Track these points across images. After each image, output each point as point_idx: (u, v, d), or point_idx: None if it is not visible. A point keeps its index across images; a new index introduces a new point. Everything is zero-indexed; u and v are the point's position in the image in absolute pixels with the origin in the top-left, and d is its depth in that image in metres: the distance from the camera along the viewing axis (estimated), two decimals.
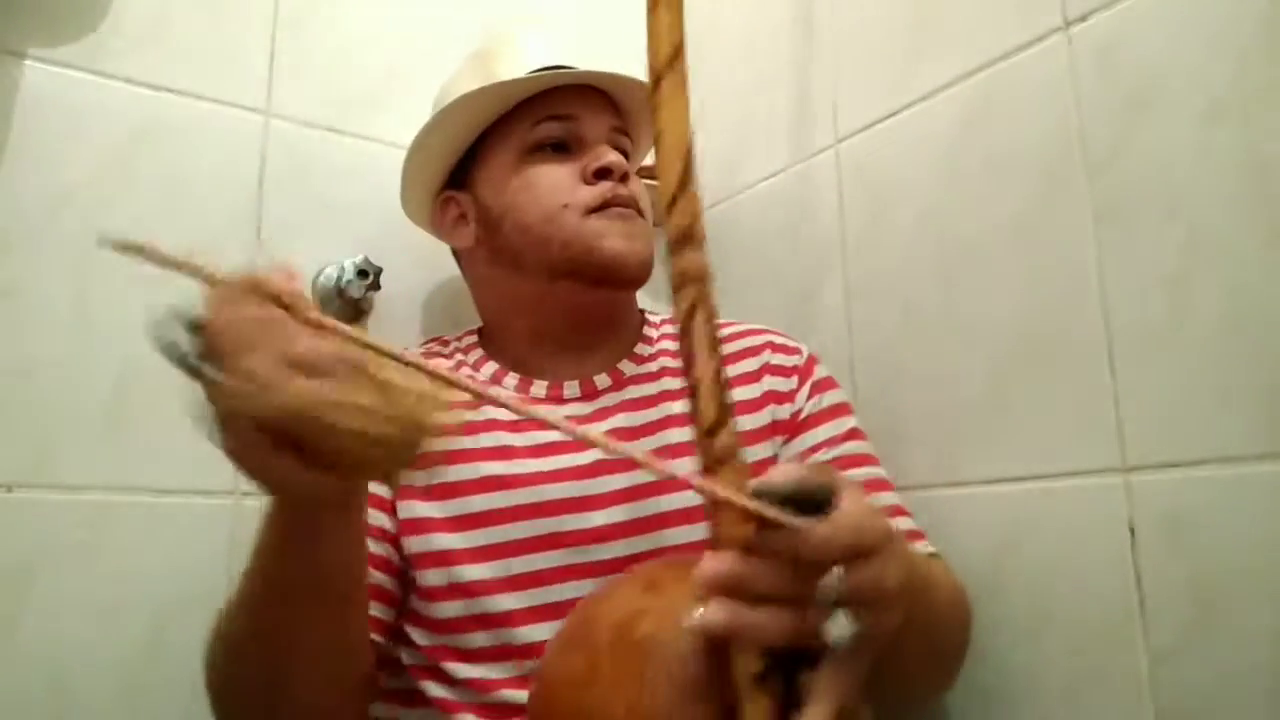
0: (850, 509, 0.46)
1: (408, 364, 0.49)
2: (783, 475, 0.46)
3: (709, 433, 0.49)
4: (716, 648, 0.47)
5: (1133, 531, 0.75)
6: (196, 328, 0.47)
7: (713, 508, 0.48)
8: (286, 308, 0.48)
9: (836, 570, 0.44)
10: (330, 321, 0.48)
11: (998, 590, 0.84)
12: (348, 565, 0.62)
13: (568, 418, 0.84)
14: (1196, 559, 0.71)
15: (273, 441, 0.48)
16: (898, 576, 0.47)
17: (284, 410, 0.47)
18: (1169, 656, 0.72)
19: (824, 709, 0.44)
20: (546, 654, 0.66)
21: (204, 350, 0.47)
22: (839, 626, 0.44)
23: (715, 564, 0.46)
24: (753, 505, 0.45)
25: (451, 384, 0.49)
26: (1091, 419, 0.78)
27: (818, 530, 0.44)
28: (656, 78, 0.54)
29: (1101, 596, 0.76)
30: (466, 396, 0.49)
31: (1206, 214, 0.73)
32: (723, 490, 0.47)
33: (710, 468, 0.48)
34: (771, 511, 0.44)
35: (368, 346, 0.49)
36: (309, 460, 0.49)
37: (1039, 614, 0.81)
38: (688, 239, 0.52)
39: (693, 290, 0.52)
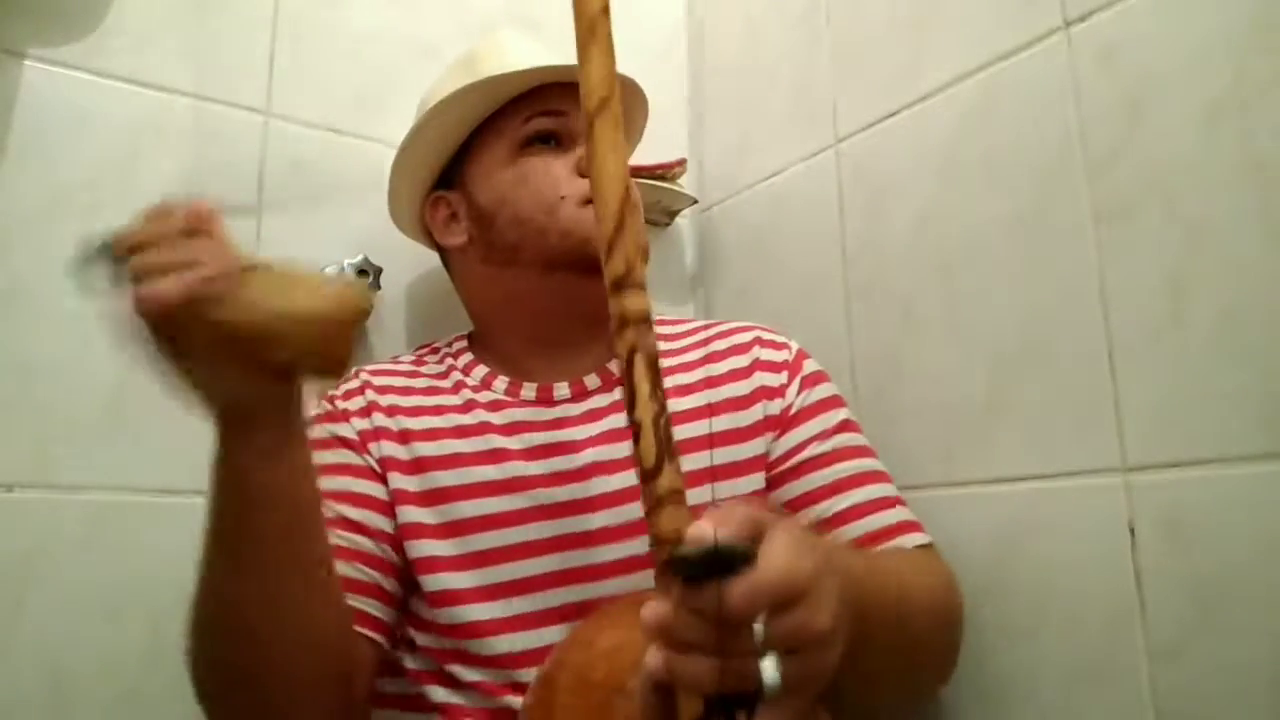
0: (771, 561, 0.46)
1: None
2: (695, 542, 0.46)
3: (650, 475, 0.49)
4: (664, 690, 0.48)
5: (1133, 531, 0.75)
6: (108, 246, 0.55)
7: (655, 546, 0.49)
8: (197, 230, 0.56)
9: (759, 620, 0.45)
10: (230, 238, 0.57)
11: (998, 590, 0.84)
12: (293, 493, 0.62)
13: (559, 419, 0.84)
14: (1196, 559, 0.71)
15: (176, 334, 0.55)
16: (829, 615, 0.48)
17: (171, 295, 0.53)
18: (1169, 656, 0.72)
19: None
20: (526, 694, 0.67)
21: (119, 259, 0.55)
22: (768, 672, 0.45)
23: (651, 612, 0.47)
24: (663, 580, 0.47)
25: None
26: (1091, 419, 0.78)
27: (734, 590, 0.45)
28: (590, 121, 0.54)
29: (1101, 596, 0.76)
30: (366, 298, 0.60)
31: (1206, 214, 0.73)
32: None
33: (652, 509, 0.49)
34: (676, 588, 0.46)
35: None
36: (238, 360, 0.56)
37: (1039, 614, 0.81)
38: (625, 282, 0.52)
39: (632, 332, 0.52)
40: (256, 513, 0.61)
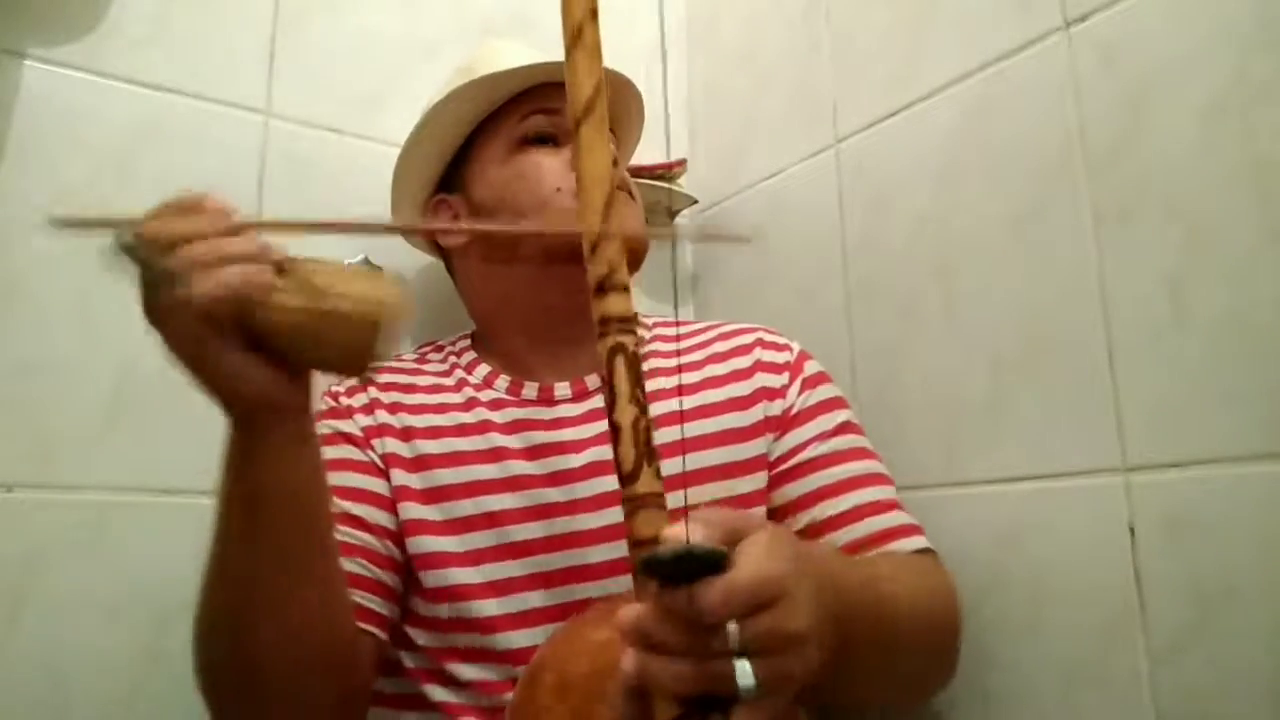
0: (745, 564, 0.47)
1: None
2: (669, 544, 0.46)
3: (628, 479, 0.49)
4: (640, 694, 0.48)
5: (1133, 531, 0.75)
6: (138, 233, 0.53)
7: (632, 549, 0.49)
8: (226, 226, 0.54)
9: (732, 624, 0.46)
10: (255, 222, 0.57)
11: (998, 589, 0.84)
12: (298, 491, 0.62)
13: (559, 419, 0.84)
14: (1196, 559, 0.71)
15: (215, 332, 0.54)
16: (804, 618, 0.48)
17: (219, 294, 0.52)
18: (1169, 656, 0.72)
19: None
20: (514, 691, 0.67)
21: (146, 246, 0.53)
22: (743, 674, 0.45)
23: (626, 616, 0.48)
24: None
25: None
26: (1091, 419, 0.78)
27: (707, 594, 0.45)
28: (576, 124, 0.54)
29: (1101, 596, 0.76)
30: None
31: (1206, 214, 0.73)
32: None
33: (630, 513, 0.49)
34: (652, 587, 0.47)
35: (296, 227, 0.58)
36: (257, 352, 0.55)
37: (1039, 614, 0.81)
38: (608, 285, 0.52)
39: (614, 334, 0.52)
40: (267, 507, 0.61)
